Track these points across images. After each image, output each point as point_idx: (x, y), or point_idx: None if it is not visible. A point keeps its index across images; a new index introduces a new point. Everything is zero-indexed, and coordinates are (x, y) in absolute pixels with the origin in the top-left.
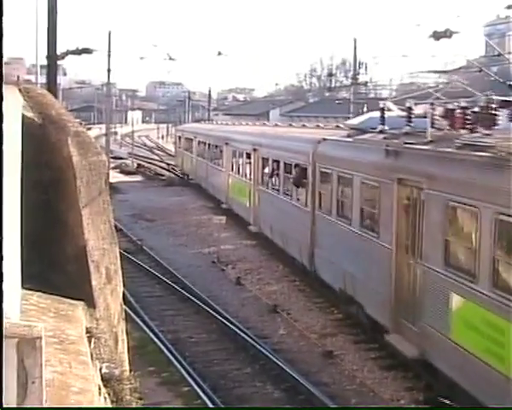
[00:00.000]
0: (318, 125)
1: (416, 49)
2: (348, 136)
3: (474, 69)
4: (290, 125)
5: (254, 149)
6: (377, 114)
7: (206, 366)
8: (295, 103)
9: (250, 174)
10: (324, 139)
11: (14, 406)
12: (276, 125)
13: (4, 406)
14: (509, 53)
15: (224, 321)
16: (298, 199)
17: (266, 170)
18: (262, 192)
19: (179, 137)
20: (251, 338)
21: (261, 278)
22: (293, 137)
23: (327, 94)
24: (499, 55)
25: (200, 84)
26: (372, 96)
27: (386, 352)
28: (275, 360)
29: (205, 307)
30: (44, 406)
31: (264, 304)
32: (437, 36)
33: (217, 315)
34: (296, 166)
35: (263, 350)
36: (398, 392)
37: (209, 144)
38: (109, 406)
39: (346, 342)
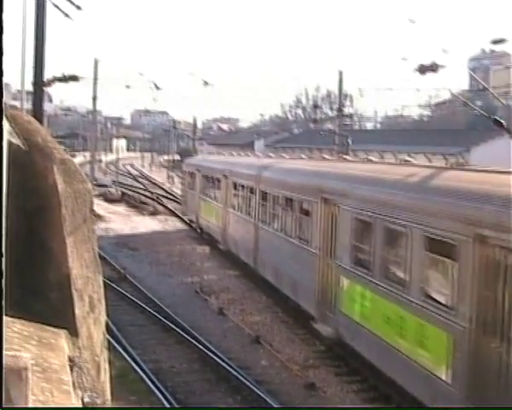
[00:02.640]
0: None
1: (402, 82)
2: None
3: (458, 103)
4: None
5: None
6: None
7: (188, 396)
8: (280, 134)
9: None
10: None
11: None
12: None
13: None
14: (494, 87)
15: (207, 351)
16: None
17: None
18: None
19: (191, 175)
20: (233, 369)
21: (244, 308)
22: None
23: (312, 125)
24: (484, 89)
25: (186, 114)
26: (357, 128)
27: (369, 384)
28: (257, 391)
29: (187, 336)
30: None
31: (246, 334)
32: (423, 69)
33: (199, 345)
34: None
35: (245, 381)
36: None
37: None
38: None
39: (328, 374)
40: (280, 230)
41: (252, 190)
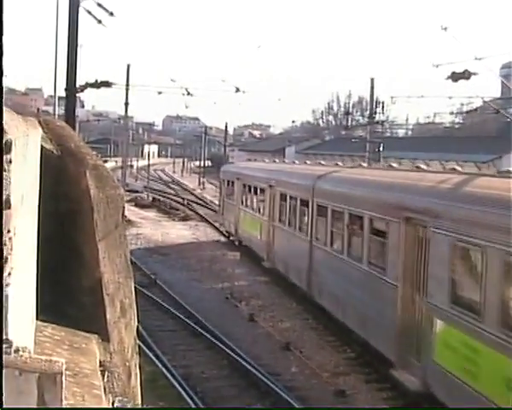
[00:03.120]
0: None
1: (434, 89)
2: None
3: (490, 111)
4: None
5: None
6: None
7: (217, 401)
8: (311, 141)
9: None
10: None
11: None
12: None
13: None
14: None
15: (236, 357)
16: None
17: None
18: None
19: (229, 183)
20: (263, 375)
21: (274, 315)
22: None
23: (343, 132)
24: None
25: (217, 120)
26: (388, 134)
27: (398, 392)
28: (286, 397)
29: (217, 342)
30: None
31: (276, 341)
32: (455, 77)
33: (229, 351)
34: None
35: (274, 387)
36: None
37: None
38: None
39: (358, 382)
40: (342, 251)
41: (304, 203)
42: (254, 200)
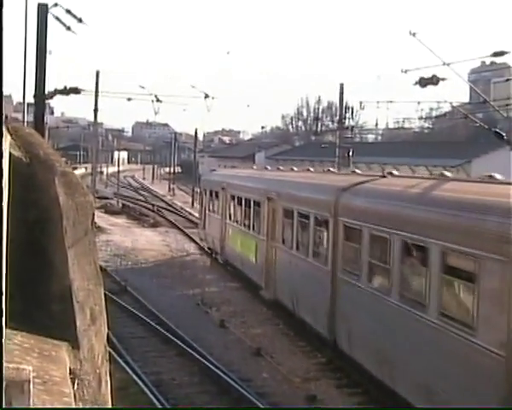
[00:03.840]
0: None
1: (402, 94)
2: None
3: (459, 116)
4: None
5: None
6: None
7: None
8: (281, 146)
9: None
10: None
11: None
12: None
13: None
14: (494, 100)
15: (208, 364)
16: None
17: None
18: None
19: (212, 193)
20: (234, 381)
21: (245, 320)
22: None
23: (313, 138)
24: (485, 101)
25: (187, 126)
26: (358, 140)
27: (370, 397)
28: (258, 403)
29: (188, 349)
30: None
31: (247, 347)
32: (423, 82)
33: (200, 357)
34: None
35: (246, 394)
36: None
37: None
38: None
39: (329, 387)
40: (390, 292)
41: (322, 223)
42: (246, 214)
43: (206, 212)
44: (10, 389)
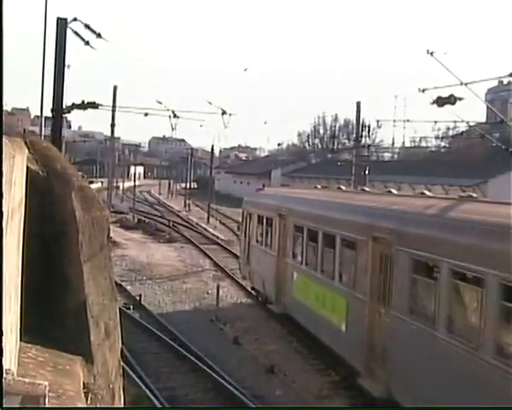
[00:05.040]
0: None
1: (419, 113)
2: None
3: (475, 135)
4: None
5: None
6: None
7: None
8: (297, 164)
9: None
10: None
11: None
12: None
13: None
14: (511, 120)
15: (221, 380)
16: None
17: None
18: None
19: (262, 219)
20: (247, 398)
21: (259, 337)
22: None
23: (329, 155)
24: (502, 121)
25: (203, 141)
26: (374, 158)
27: None
28: None
29: (202, 365)
30: None
31: (261, 364)
32: (441, 102)
33: (213, 374)
34: None
35: None
36: None
37: None
38: None
39: (342, 405)
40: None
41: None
42: (328, 257)
43: (252, 243)
44: (26, 403)
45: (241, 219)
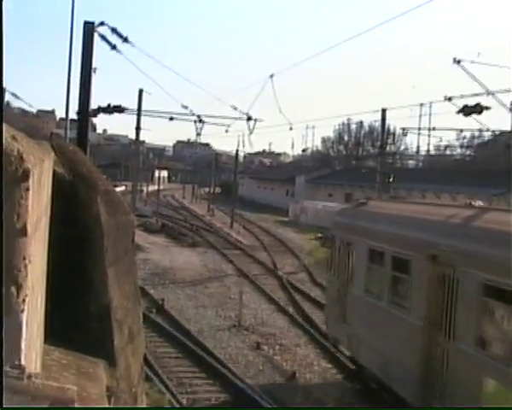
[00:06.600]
0: None
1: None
2: None
3: (501, 144)
4: None
5: None
6: None
7: None
8: (321, 170)
9: None
10: None
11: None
12: None
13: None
14: None
15: (242, 385)
16: None
17: None
18: None
19: (373, 258)
20: (269, 404)
21: (281, 343)
22: None
23: (353, 162)
24: None
25: (228, 146)
26: (399, 166)
27: None
28: None
29: (224, 370)
30: None
31: (282, 370)
32: (467, 111)
33: (235, 379)
34: None
35: None
36: None
37: None
38: None
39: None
40: None
41: None
42: None
43: (354, 291)
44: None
45: (331, 252)
